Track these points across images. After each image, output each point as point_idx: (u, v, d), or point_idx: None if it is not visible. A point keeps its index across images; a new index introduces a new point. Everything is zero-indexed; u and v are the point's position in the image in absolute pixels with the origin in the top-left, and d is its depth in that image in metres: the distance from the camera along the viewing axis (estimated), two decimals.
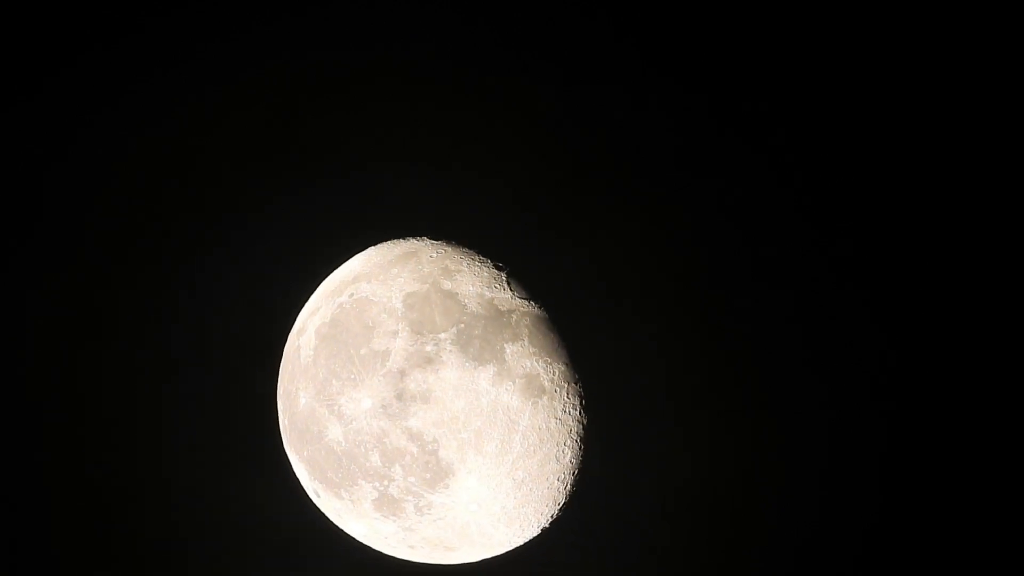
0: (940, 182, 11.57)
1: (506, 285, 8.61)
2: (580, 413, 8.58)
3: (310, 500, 9.41)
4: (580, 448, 8.65)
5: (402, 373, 8.17)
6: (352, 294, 8.71)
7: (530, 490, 8.49)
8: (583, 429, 8.62)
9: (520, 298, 8.57)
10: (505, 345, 8.27)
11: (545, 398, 8.34)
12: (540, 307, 8.59)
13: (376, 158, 11.60)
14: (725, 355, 11.49)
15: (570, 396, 8.51)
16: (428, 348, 8.18)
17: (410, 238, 9.23)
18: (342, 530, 9.39)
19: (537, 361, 8.35)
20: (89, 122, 11.31)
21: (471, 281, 8.56)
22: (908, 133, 11.54)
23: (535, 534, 9.04)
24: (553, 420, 8.39)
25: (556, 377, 8.42)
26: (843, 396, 11.55)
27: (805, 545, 11.59)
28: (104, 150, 11.36)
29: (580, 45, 11.50)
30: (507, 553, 9.28)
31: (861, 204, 11.61)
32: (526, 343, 8.36)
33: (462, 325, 8.27)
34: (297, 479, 9.45)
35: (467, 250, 8.88)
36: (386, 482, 8.35)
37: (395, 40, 11.51)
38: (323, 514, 9.40)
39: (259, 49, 11.44)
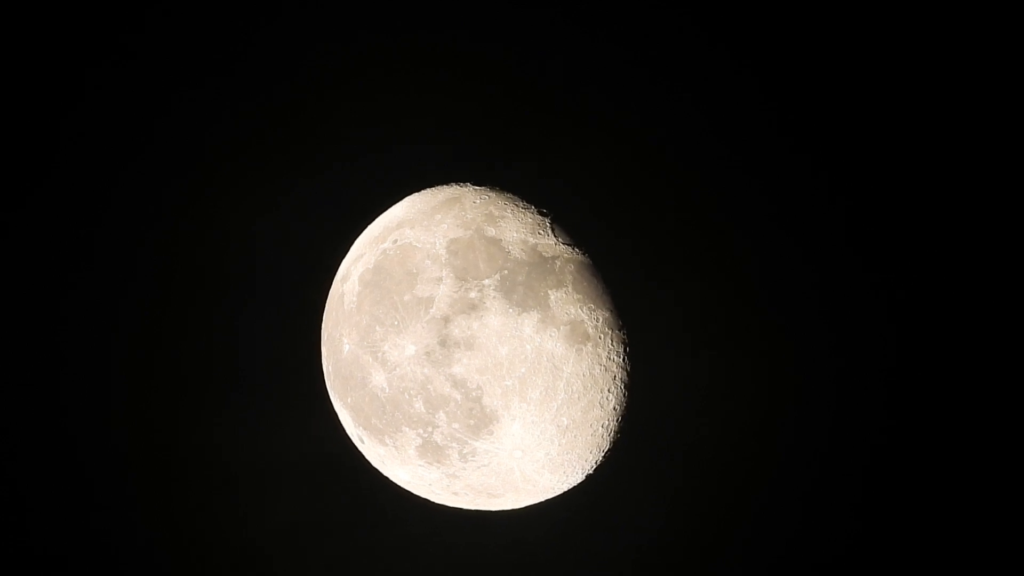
0: (945, 177, 11.44)
1: (550, 231, 8.56)
2: (624, 360, 8.54)
3: (354, 447, 9.45)
4: (624, 395, 8.62)
5: (446, 320, 8.15)
6: (396, 240, 8.69)
7: (574, 437, 8.47)
8: (627, 376, 8.58)
9: (564, 244, 8.51)
10: (549, 292, 8.23)
11: (589, 345, 8.30)
12: (584, 253, 8.53)
13: (414, 111, 11.57)
14: (767, 300, 11.43)
15: (614, 343, 8.46)
16: (472, 295, 8.15)
17: (454, 184, 9.18)
18: (386, 477, 9.43)
19: (581, 308, 8.31)
20: (102, 113, 11.35)
21: (515, 227, 8.51)
22: (913, 125, 11.40)
23: (579, 480, 9.05)
24: (597, 367, 8.36)
25: (600, 324, 8.38)
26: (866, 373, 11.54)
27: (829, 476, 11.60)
28: (163, 130, 11.43)
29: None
30: (551, 499, 9.30)
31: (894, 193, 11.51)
32: (570, 290, 8.31)
33: (506, 271, 8.23)
34: (341, 426, 9.48)
35: (511, 196, 8.83)
36: (430, 429, 8.36)
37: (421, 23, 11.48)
38: (367, 461, 9.44)
39: (274, 37, 11.44)
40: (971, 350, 11.43)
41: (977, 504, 11.41)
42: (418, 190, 9.36)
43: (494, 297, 8.14)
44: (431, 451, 8.50)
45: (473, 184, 9.08)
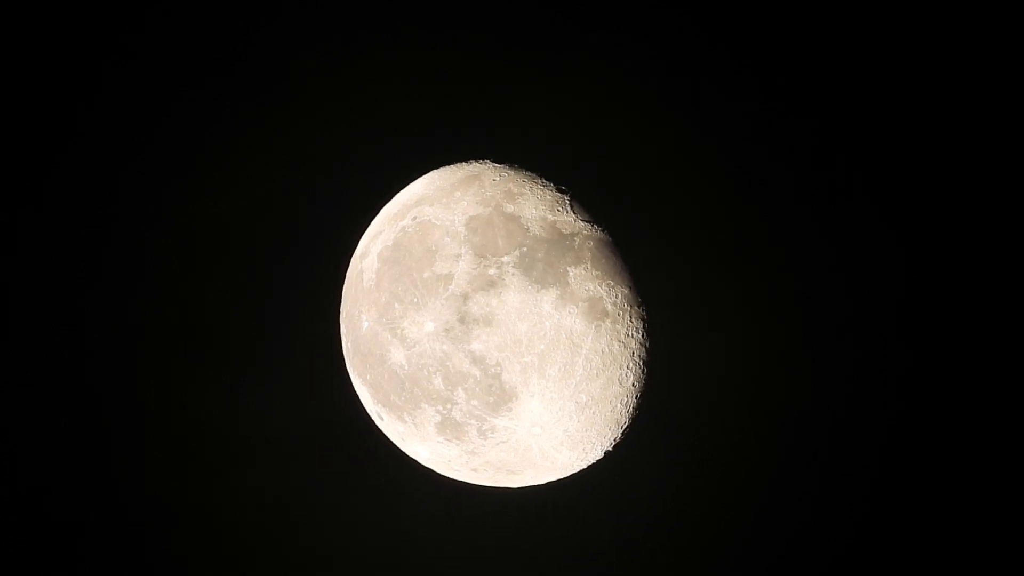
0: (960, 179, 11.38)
1: (569, 208, 8.55)
2: (643, 336, 8.54)
3: (373, 424, 9.48)
4: (642, 371, 8.62)
5: (465, 296, 8.16)
6: (415, 217, 8.69)
7: (593, 413, 8.48)
8: (645, 352, 8.58)
9: (583, 221, 8.51)
10: (568, 268, 8.23)
11: (608, 321, 8.31)
12: (603, 230, 8.52)
13: (436, 87, 11.55)
14: (787, 276, 11.41)
15: (633, 319, 8.46)
16: (491, 271, 8.16)
17: (473, 161, 9.18)
18: (405, 453, 9.45)
19: (600, 284, 8.31)
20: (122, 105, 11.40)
21: (534, 204, 8.50)
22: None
23: (598, 457, 9.05)
24: (616, 343, 8.36)
25: (619, 300, 8.38)
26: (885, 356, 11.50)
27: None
28: (176, 118, 11.45)
29: None
30: (570, 476, 9.31)
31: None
32: (589, 266, 8.31)
33: (525, 248, 8.23)
34: (360, 403, 9.51)
35: (530, 173, 8.82)
36: (449, 406, 8.38)
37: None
38: (386, 437, 9.46)
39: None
40: (977, 354, 11.39)
41: (979, 506, 11.39)
42: (437, 167, 9.36)
43: (513, 274, 8.14)
44: (450, 428, 8.52)
45: (492, 161, 9.08)
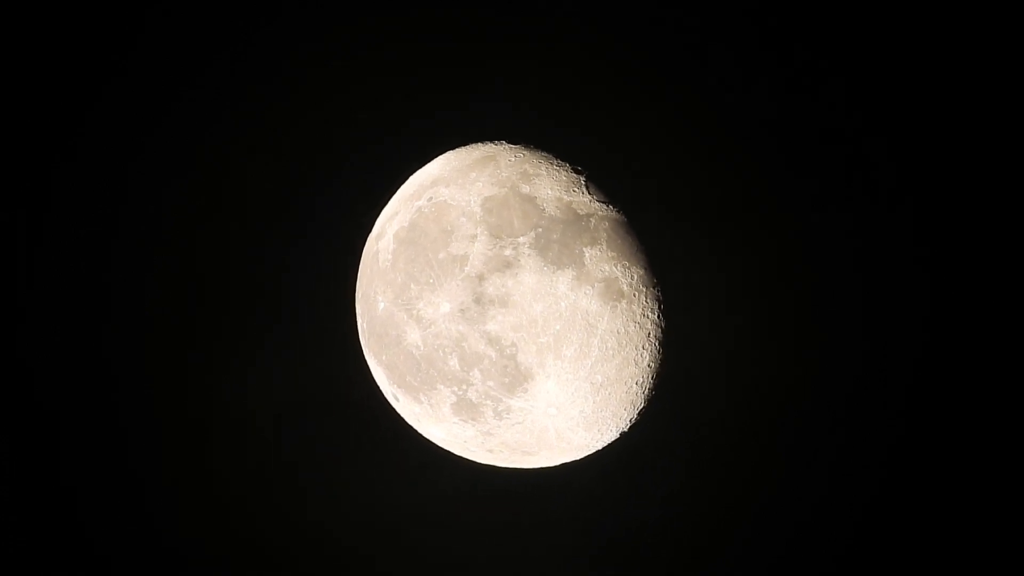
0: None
1: (584, 189, 8.54)
2: (658, 317, 8.54)
3: (389, 405, 9.49)
4: (658, 352, 8.62)
5: (480, 277, 8.16)
6: (431, 198, 8.69)
7: (608, 394, 8.49)
8: (661, 333, 8.58)
9: (599, 202, 8.50)
10: (584, 249, 8.23)
11: (624, 302, 8.30)
12: (619, 211, 8.52)
13: (451, 67, 11.54)
14: (802, 260, 11.38)
15: (648, 300, 8.46)
16: (506, 252, 8.16)
17: (488, 142, 9.17)
18: (421, 434, 9.47)
19: (616, 265, 8.30)
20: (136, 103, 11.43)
21: (549, 185, 8.50)
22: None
23: (614, 438, 9.06)
24: (632, 324, 8.36)
25: (635, 281, 8.37)
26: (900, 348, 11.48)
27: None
28: (193, 99, 11.48)
29: None
30: (586, 457, 9.32)
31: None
32: (604, 247, 8.30)
33: (540, 229, 8.23)
34: (376, 383, 9.52)
35: (545, 154, 8.81)
36: (465, 386, 8.39)
37: None
38: (402, 418, 9.48)
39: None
40: (979, 355, 11.35)
41: (979, 506, 11.37)
42: (453, 148, 9.36)
43: (529, 255, 8.14)
44: (466, 409, 8.53)
45: (508, 142, 9.07)
